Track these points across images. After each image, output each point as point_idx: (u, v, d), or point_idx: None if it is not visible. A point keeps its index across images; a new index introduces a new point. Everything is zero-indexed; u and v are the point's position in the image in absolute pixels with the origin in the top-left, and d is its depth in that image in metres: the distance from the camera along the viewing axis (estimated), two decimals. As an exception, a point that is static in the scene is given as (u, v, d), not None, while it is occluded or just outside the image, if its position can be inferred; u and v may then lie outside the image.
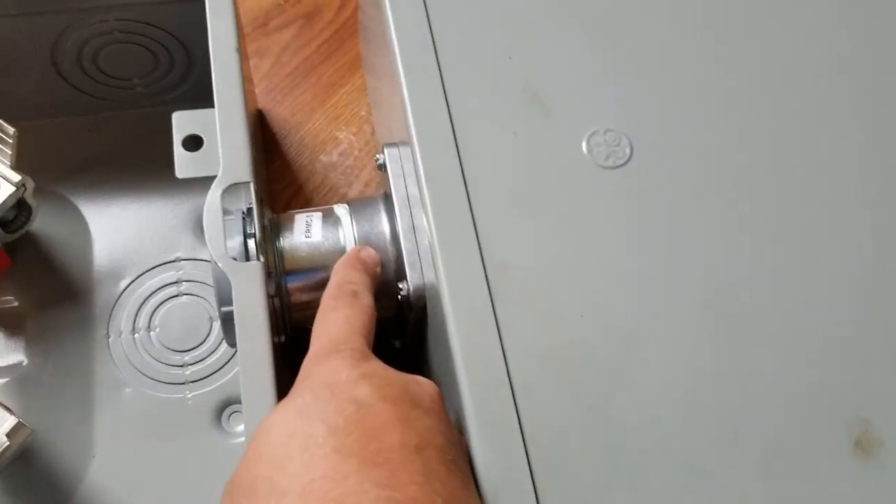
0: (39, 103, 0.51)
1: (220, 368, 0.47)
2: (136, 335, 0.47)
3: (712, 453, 0.31)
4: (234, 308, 0.35)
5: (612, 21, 0.40)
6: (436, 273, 0.34)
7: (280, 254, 0.39)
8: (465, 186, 0.35)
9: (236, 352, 0.45)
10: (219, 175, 0.37)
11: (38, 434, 0.43)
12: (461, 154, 0.35)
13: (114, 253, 0.49)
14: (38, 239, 0.48)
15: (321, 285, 0.39)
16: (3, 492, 0.42)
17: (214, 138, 0.38)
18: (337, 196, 0.53)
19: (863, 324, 0.34)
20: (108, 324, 0.47)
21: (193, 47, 0.50)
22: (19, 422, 0.37)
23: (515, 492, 0.30)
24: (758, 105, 0.39)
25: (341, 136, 0.55)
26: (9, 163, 0.42)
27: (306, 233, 0.40)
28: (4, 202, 0.41)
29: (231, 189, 0.37)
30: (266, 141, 0.55)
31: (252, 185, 0.37)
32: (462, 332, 0.32)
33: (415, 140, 0.36)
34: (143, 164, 0.50)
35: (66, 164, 0.50)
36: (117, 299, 0.48)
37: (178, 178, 0.40)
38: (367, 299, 0.35)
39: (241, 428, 0.45)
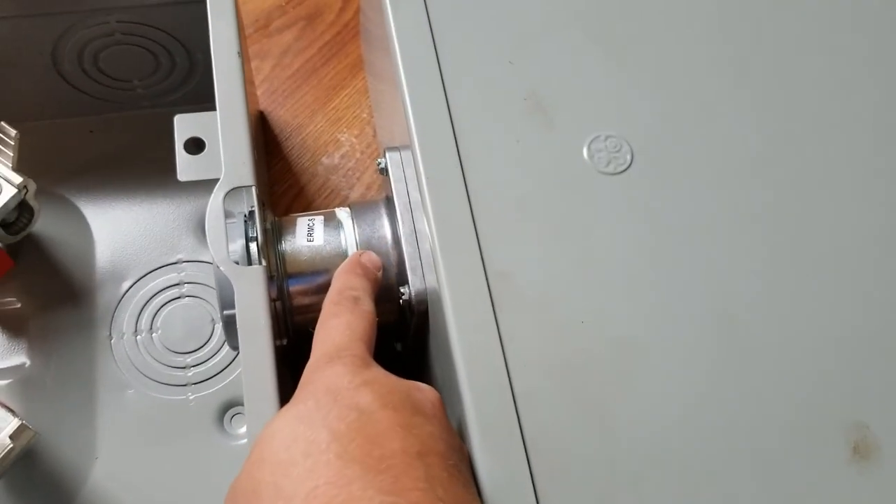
0: (41, 105, 0.51)
1: (223, 370, 0.47)
2: (139, 337, 0.47)
3: (712, 460, 0.32)
4: (237, 312, 0.35)
5: (613, 27, 0.40)
6: (437, 279, 0.34)
7: (282, 257, 0.40)
8: (467, 192, 0.35)
9: (238, 354, 0.46)
10: (221, 179, 0.37)
11: (41, 436, 0.43)
12: (463, 160, 0.36)
13: (116, 254, 0.49)
14: (41, 241, 0.48)
15: (323, 289, 0.39)
16: (7, 493, 0.42)
17: (216, 141, 0.38)
18: (338, 199, 0.53)
19: (861, 328, 0.35)
20: (111, 325, 0.47)
21: (195, 49, 0.50)
22: (22, 423, 0.37)
23: (517, 498, 0.30)
24: (760, 111, 0.39)
25: (343, 139, 0.55)
26: (10, 165, 0.42)
27: (308, 236, 0.40)
28: (6, 204, 0.41)
29: (233, 193, 0.37)
30: (267, 143, 0.55)
31: (254, 189, 0.37)
32: (464, 338, 0.32)
33: (416, 145, 0.36)
34: (144, 165, 0.50)
35: (67, 166, 0.50)
36: (119, 301, 0.48)
37: (179, 180, 0.40)
38: (368, 305, 0.35)
39: (243, 430, 0.45)
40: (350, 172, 0.54)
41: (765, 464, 0.32)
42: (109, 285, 0.48)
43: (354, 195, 0.53)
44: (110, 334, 0.47)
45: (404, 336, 0.42)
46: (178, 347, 0.47)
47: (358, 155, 0.55)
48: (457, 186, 0.35)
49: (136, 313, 0.48)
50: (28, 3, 0.45)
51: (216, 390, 0.46)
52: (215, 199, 0.37)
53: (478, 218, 0.34)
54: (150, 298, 0.48)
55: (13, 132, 0.42)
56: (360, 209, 0.41)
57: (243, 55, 0.40)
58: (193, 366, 0.47)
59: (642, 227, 0.35)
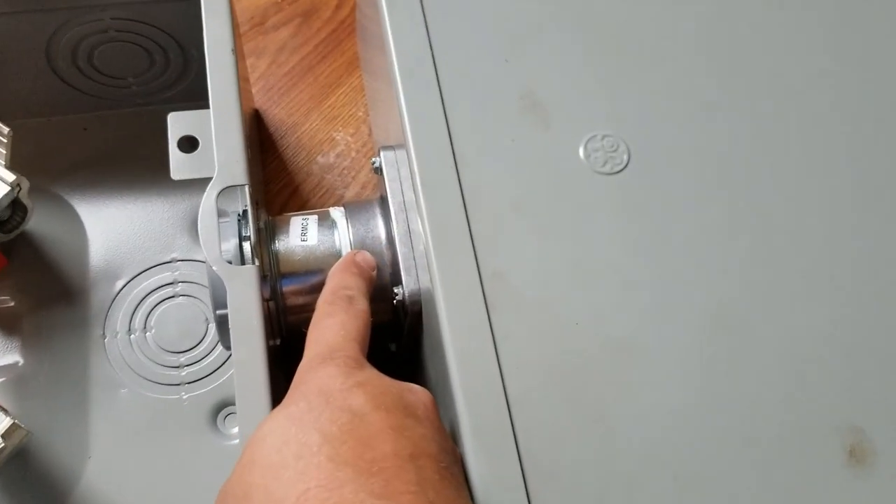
0: (34, 102, 0.51)
1: (216, 370, 0.47)
2: (132, 336, 0.47)
3: (707, 462, 0.31)
4: (229, 312, 0.35)
5: (609, 27, 0.40)
6: (431, 279, 0.34)
7: (275, 257, 0.39)
8: (462, 193, 0.35)
9: (231, 354, 0.45)
10: (214, 178, 0.37)
11: (34, 435, 0.43)
12: (457, 160, 0.35)
13: (109, 253, 0.49)
14: (34, 239, 0.48)
15: (316, 289, 0.39)
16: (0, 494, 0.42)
17: (210, 140, 0.38)
18: (333, 197, 0.52)
19: (857, 331, 0.34)
20: (104, 324, 0.47)
21: (189, 46, 0.49)
22: (14, 423, 0.37)
23: (510, 501, 0.30)
24: (757, 112, 0.39)
25: (338, 137, 0.55)
26: (3, 162, 0.42)
27: (302, 236, 0.40)
28: (-1, 202, 0.41)
29: (226, 191, 0.37)
30: (262, 141, 0.55)
31: (247, 188, 0.36)
32: (457, 340, 0.32)
33: (411, 145, 0.36)
34: (138, 163, 0.50)
35: (61, 164, 0.50)
36: (113, 300, 0.47)
37: (173, 179, 0.40)
38: (362, 304, 0.35)
39: (236, 430, 0.45)
40: (345, 171, 0.54)
41: (760, 467, 0.32)
42: (103, 284, 0.48)
43: (350, 194, 0.53)
44: (104, 333, 0.47)
45: (398, 336, 0.42)
46: (171, 347, 0.47)
47: (353, 154, 0.54)
48: (451, 186, 0.35)
49: (130, 312, 0.47)
50: (22, 0, 0.45)
51: (210, 390, 0.46)
52: (208, 197, 0.37)
53: (472, 218, 0.34)
54: (144, 297, 0.48)
55: (6, 129, 0.42)
56: (355, 209, 0.41)
57: (238, 52, 0.40)
58: (187, 365, 0.47)
59: (638, 227, 0.35)
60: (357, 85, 0.57)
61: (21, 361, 0.45)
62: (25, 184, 0.43)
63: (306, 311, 0.39)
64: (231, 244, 0.37)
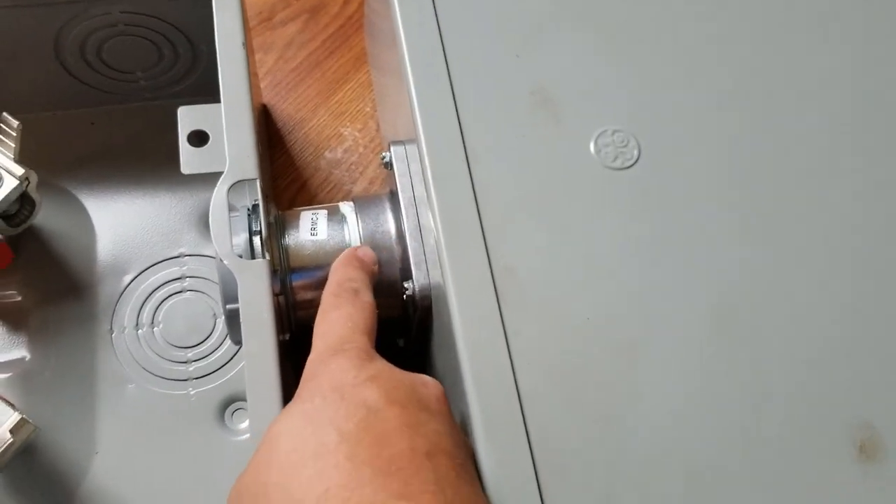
0: (43, 96, 0.51)
1: (224, 365, 0.47)
2: (140, 331, 0.47)
3: (717, 459, 0.31)
4: (240, 305, 0.35)
5: (620, 21, 0.40)
6: (442, 274, 0.33)
7: (285, 251, 0.39)
8: (473, 188, 0.35)
9: (240, 349, 0.45)
10: (225, 172, 0.37)
11: (41, 430, 0.43)
12: (469, 155, 0.35)
13: (117, 248, 0.48)
14: (42, 233, 0.48)
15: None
16: (6, 488, 0.42)
17: (220, 134, 0.38)
18: (341, 193, 0.52)
19: (866, 328, 0.34)
20: (112, 319, 0.47)
21: (198, 41, 0.49)
22: (23, 418, 0.37)
23: (521, 495, 0.30)
24: (769, 109, 0.38)
25: (346, 133, 0.55)
26: (12, 156, 0.42)
27: (312, 230, 0.40)
28: (8, 196, 0.41)
29: (237, 186, 0.37)
30: (270, 136, 0.55)
31: (258, 183, 0.36)
32: (469, 334, 0.32)
33: (422, 140, 0.35)
34: (146, 158, 0.50)
35: (69, 158, 0.50)
36: (121, 295, 0.47)
37: (182, 173, 0.40)
38: (367, 297, 0.35)
39: (244, 425, 0.45)
40: (353, 167, 0.53)
41: (769, 463, 0.31)
42: (111, 279, 0.47)
43: (357, 190, 0.53)
44: (111, 328, 0.46)
45: (407, 332, 0.42)
46: (179, 342, 0.47)
47: (361, 149, 0.54)
48: (462, 181, 0.35)
49: (138, 307, 0.47)
50: (30, -6, 0.45)
51: (217, 385, 0.46)
52: (219, 192, 0.36)
53: (483, 213, 0.34)
54: (152, 292, 0.48)
55: (15, 123, 0.42)
56: (364, 203, 0.41)
57: (247, 47, 0.40)
58: (195, 360, 0.47)
59: (649, 223, 0.35)
60: (365, 81, 0.57)
61: (28, 356, 0.45)
62: (34, 177, 0.43)
63: (316, 307, 0.39)
64: (241, 238, 0.37)
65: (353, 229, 0.40)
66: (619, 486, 0.30)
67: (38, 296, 0.46)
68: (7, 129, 0.42)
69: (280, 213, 0.41)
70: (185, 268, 0.49)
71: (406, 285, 0.38)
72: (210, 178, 0.37)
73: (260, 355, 0.34)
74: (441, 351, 0.37)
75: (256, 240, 0.37)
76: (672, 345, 0.33)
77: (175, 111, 0.38)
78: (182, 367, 0.46)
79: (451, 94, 0.37)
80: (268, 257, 0.36)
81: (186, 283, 0.48)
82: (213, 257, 0.46)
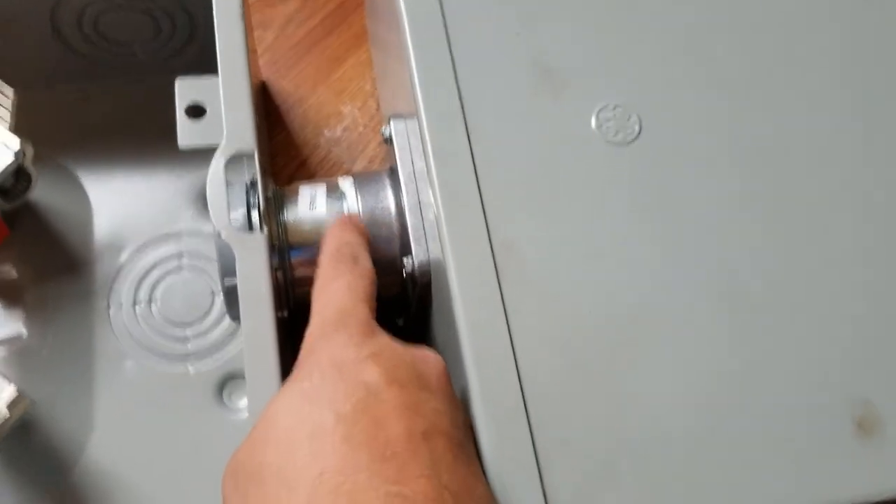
0: (38, 69, 0.50)
1: (223, 343, 0.46)
2: (137, 308, 0.46)
3: (716, 433, 0.31)
4: (238, 280, 0.34)
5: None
6: (442, 249, 0.33)
7: (284, 227, 0.39)
8: (473, 162, 0.34)
9: (239, 326, 0.45)
10: (222, 144, 0.36)
11: (38, 407, 0.43)
12: (469, 129, 0.35)
13: (114, 224, 0.48)
14: (37, 209, 0.47)
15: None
16: (3, 464, 0.42)
17: (218, 107, 0.38)
18: (341, 171, 0.52)
19: (869, 305, 0.34)
20: (109, 296, 0.46)
21: (197, 14, 0.49)
22: (20, 393, 0.37)
23: (520, 473, 0.29)
24: (771, 84, 0.38)
25: (346, 111, 0.54)
26: (8, 125, 0.41)
27: (311, 206, 0.39)
28: (5, 169, 0.41)
29: (234, 159, 0.37)
30: (269, 114, 0.54)
31: (256, 155, 0.36)
32: (468, 310, 0.32)
33: (423, 114, 0.35)
34: (144, 133, 0.49)
35: (65, 133, 0.49)
36: (118, 271, 0.47)
37: (180, 150, 0.39)
38: (367, 262, 0.35)
39: (242, 403, 0.45)
40: (353, 145, 0.53)
41: (769, 437, 0.31)
42: (108, 255, 0.47)
43: (357, 168, 0.52)
44: (108, 305, 0.46)
45: (406, 310, 0.41)
46: (177, 319, 0.47)
47: (361, 128, 0.54)
48: (463, 156, 0.34)
49: (136, 284, 0.47)
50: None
51: (216, 363, 0.46)
52: (216, 163, 0.36)
53: (483, 187, 0.34)
54: (150, 269, 0.47)
55: (10, 90, 0.41)
56: (364, 179, 0.41)
57: (246, 23, 0.39)
58: (193, 338, 0.46)
59: (650, 198, 0.34)
60: (365, 59, 0.56)
61: (25, 333, 0.45)
62: (30, 150, 0.42)
63: (311, 278, 0.39)
64: (239, 213, 0.37)
65: (352, 205, 0.39)
66: (619, 462, 0.30)
67: (34, 272, 0.46)
68: (2, 95, 0.41)
69: (278, 188, 0.41)
70: (183, 245, 0.48)
71: (405, 261, 0.37)
72: (209, 155, 0.37)
73: (258, 330, 0.33)
74: (441, 328, 0.37)
75: (255, 213, 0.36)
76: (673, 321, 0.33)
77: (173, 86, 0.38)
78: (180, 345, 0.46)
79: (451, 69, 0.36)
80: (266, 231, 0.35)
81: (184, 260, 0.48)
82: (212, 234, 0.46)
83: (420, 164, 0.37)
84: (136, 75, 0.51)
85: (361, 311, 0.32)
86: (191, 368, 0.46)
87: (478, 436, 0.30)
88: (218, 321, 0.47)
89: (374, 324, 0.32)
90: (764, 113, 0.37)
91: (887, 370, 0.33)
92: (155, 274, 0.47)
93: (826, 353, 0.33)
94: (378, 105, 0.55)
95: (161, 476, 0.42)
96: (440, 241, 0.33)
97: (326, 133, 0.54)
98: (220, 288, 0.45)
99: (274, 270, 0.37)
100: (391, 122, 0.39)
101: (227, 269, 0.36)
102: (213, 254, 0.46)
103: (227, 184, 0.37)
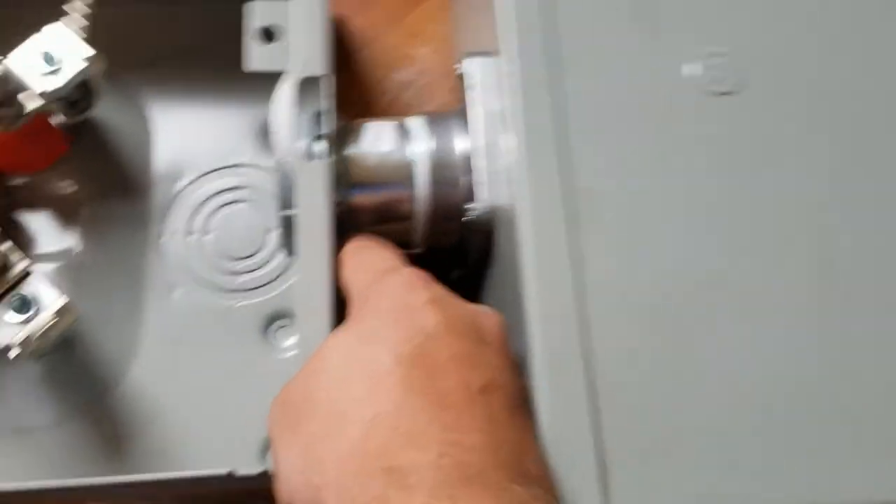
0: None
1: (273, 280, 0.45)
2: (191, 237, 0.45)
3: (790, 421, 0.29)
4: (299, 208, 0.33)
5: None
6: (515, 192, 0.31)
7: (346, 162, 0.37)
8: (558, 102, 0.32)
9: (290, 263, 0.44)
10: (292, 66, 0.35)
11: (83, 326, 0.42)
12: (556, 66, 0.32)
13: (175, 151, 0.47)
14: (99, 127, 0.46)
15: (387, 201, 0.37)
16: (44, 378, 0.42)
17: (288, 32, 0.36)
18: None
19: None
20: (163, 222, 0.45)
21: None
22: (68, 302, 0.36)
23: (578, 439, 0.28)
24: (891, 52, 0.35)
25: (418, 54, 0.52)
26: (84, 35, 0.40)
27: (376, 142, 0.38)
28: (72, 79, 0.40)
29: (305, 84, 0.35)
30: (338, 52, 0.52)
31: (328, 79, 0.34)
32: (538, 259, 0.30)
33: (506, 47, 0.33)
34: (213, 61, 0.48)
35: (134, 54, 0.48)
36: (174, 198, 0.46)
37: (248, 81, 0.38)
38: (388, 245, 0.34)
39: (287, 342, 0.44)
40: (422, 90, 0.51)
41: (854, 424, 0.29)
42: (165, 181, 0.46)
43: (425, 114, 0.50)
44: (162, 232, 0.45)
45: (463, 262, 0.40)
46: (229, 252, 0.45)
47: (432, 73, 0.52)
48: (548, 91, 0.32)
49: (190, 213, 0.46)
50: None
51: (264, 300, 0.45)
52: (285, 86, 0.35)
53: (569, 129, 0.31)
54: (206, 199, 0.46)
55: (90, -1, 0.40)
56: (434, 119, 0.39)
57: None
58: (243, 272, 0.45)
59: (748, 156, 0.32)
60: (442, 2, 0.54)
61: (76, 249, 0.44)
62: (101, 65, 0.41)
63: (372, 223, 0.37)
64: (304, 143, 0.36)
65: (420, 144, 0.37)
66: (685, 440, 0.28)
67: (92, 189, 0.45)
68: (80, 4, 0.40)
69: (345, 122, 0.39)
70: (242, 178, 0.47)
71: (468, 207, 0.36)
72: (277, 84, 0.35)
73: (314, 261, 0.32)
74: (501, 282, 0.35)
75: (321, 143, 0.35)
76: (760, 295, 0.30)
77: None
78: (230, 278, 0.45)
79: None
80: (333, 158, 0.34)
81: (242, 193, 0.47)
82: (271, 169, 0.44)
83: (494, 105, 0.35)
84: (213, 2, 0.49)
85: (408, 265, 0.31)
86: (238, 303, 0.44)
87: (535, 395, 0.29)
88: (269, 257, 0.46)
89: (428, 275, 0.31)
90: (883, 79, 0.34)
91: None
92: (211, 205, 0.46)
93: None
94: (453, 51, 0.53)
95: (199, 407, 0.42)
96: (514, 186, 0.31)
97: (396, 76, 0.52)
98: (274, 224, 0.44)
99: (335, 204, 0.36)
100: (466, 60, 0.37)
101: (287, 198, 0.35)
102: (271, 190, 0.45)
103: (295, 109, 0.35)
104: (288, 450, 0.28)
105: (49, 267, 0.44)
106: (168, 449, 0.41)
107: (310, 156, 0.35)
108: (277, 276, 0.45)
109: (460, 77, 0.37)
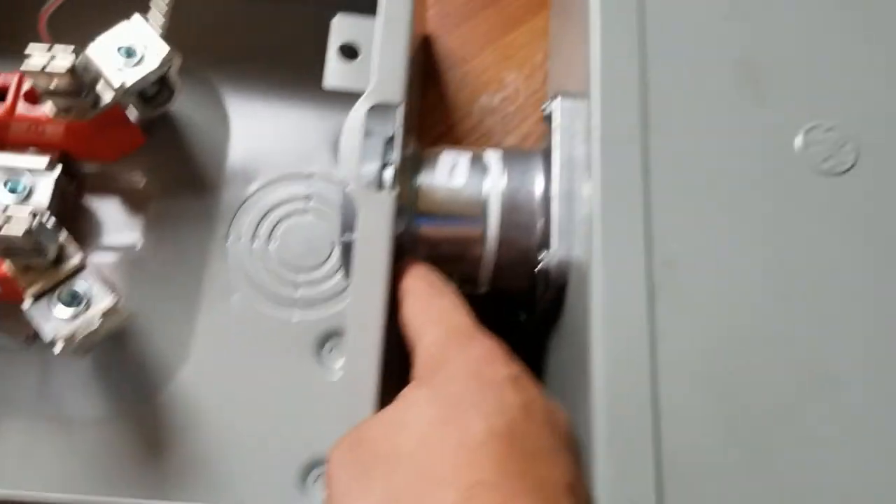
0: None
1: (333, 297, 0.44)
2: (255, 243, 0.44)
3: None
4: (358, 238, 0.31)
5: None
6: (591, 250, 0.29)
7: (416, 191, 0.35)
8: (646, 159, 0.29)
9: (348, 285, 0.42)
10: (368, 90, 0.33)
11: (137, 323, 0.42)
12: (648, 121, 0.30)
13: (249, 153, 0.46)
14: (176, 123, 0.46)
15: (454, 237, 0.35)
16: (95, 371, 0.41)
17: (372, 51, 0.35)
18: (490, 143, 0.48)
19: None
20: (230, 225, 0.45)
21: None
22: (117, 303, 0.36)
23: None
24: None
25: (509, 79, 0.50)
26: (160, 31, 0.39)
27: (450, 174, 0.36)
28: (149, 75, 0.39)
29: (378, 109, 0.34)
30: (427, 71, 0.51)
31: (401, 108, 0.33)
32: (608, 327, 0.27)
33: (596, 92, 0.30)
34: (297, 65, 0.47)
35: (218, 51, 0.47)
36: (244, 202, 0.45)
37: (326, 89, 0.37)
38: (457, 292, 0.32)
39: (340, 363, 0.42)
40: (509, 117, 0.49)
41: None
42: (237, 183, 0.45)
43: (509, 143, 0.48)
44: (227, 234, 0.44)
45: (531, 307, 0.37)
46: (293, 262, 0.44)
47: (521, 100, 0.49)
48: (635, 148, 0.29)
49: (258, 219, 0.45)
50: None
51: (321, 316, 0.43)
52: (358, 110, 0.33)
53: (654, 191, 0.29)
54: (275, 206, 0.45)
55: (168, -5, 0.39)
56: (513, 156, 0.37)
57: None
58: (304, 285, 0.44)
59: (852, 243, 0.28)
60: (541, 26, 0.51)
61: (139, 245, 0.44)
62: (177, 61, 0.40)
63: (437, 256, 0.35)
64: (373, 167, 0.34)
65: (495, 181, 0.35)
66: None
67: (161, 185, 0.45)
68: (161, 1, 0.39)
69: (419, 149, 0.38)
70: (313, 188, 0.46)
71: (541, 256, 0.33)
72: (357, 101, 0.34)
73: (368, 293, 0.31)
74: (567, 339, 0.33)
75: (389, 171, 0.33)
76: (863, 391, 0.27)
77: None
78: (290, 290, 0.44)
79: (639, 47, 0.31)
80: (397, 191, 0.32)
81: (312, 203, 0.45)
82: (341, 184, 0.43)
83: (580, 151, 0.32)
84: (305, 5, 0.49)
85: (485, 331, 0.30)
86: (295, 316, 0.43)
87: (594, 483, 0.26)
88: (332, 272, 0.44)
89: (506, 347, 0.29)
90: None
91: None
92: (279, 212, 0.45)
93: None
94: (546, 79, 0.50)
95: (245, 417, 0.40)
96: (591, 240, 0.29)
97: (483, 100, 0.50)
98: (338, 239, 0.43)
99: (397, 234, 0.34)
100: (556, 100, 0.35)
101: (348, 223, 0.34)
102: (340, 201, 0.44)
103: (367, 133, 0.34)
104: (355, 500, 0.26)
105: (110, 259, 0.43)
106: (204, 460, 0.40)
107: (376, 183, 0.33)
108: (338, 294, 0.44)
109: (548, 117, 0.35)
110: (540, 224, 0.34)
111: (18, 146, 0.41)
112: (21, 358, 0.41)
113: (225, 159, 0.46)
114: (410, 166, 0.36)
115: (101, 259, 0.43)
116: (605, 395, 0.26)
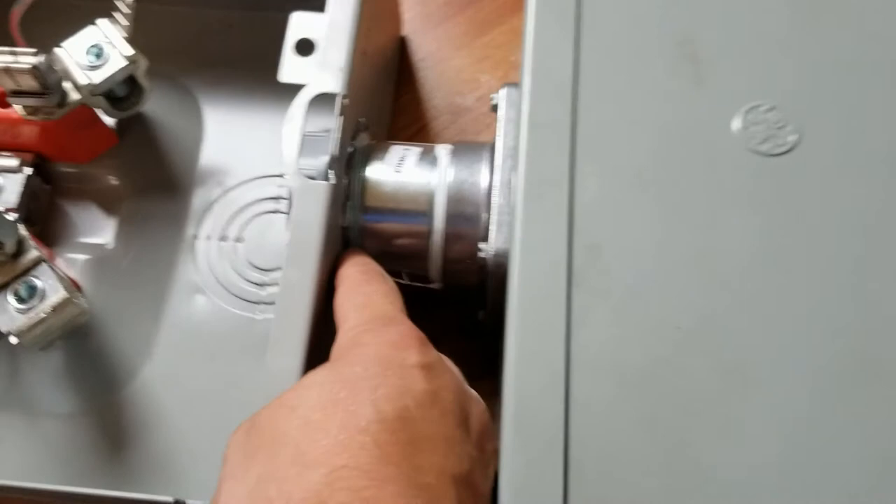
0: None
1: (297, 297, 0.44)
2: (223, 243, 0.45)
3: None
4: (290, 227, 0.31)
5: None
6: (513, 237, 0.28)
7: (363, 183, 0.35)
8: (573, 142, 0.29)
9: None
10: (309, 82, 0.33)
11: (105, 319, 0.42)
12: (579, 106, 0.29)
13: (220, 155, 0.47)
14: (150, 123, 0.47)
15: (400, 230, 0.35)
16: (61, 366, 0.42)
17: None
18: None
19: None
20: (199, 225, 0.45)
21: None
22: (68, 298, 0.36)
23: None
24: None
25: (483, 80, 0.50)
26: (125, 34, 0.40)
27: (397, 166, 0.36)
28: (114, 75, 0.40)
29: (322, 101, 0.34)
30: (402, 71, 0.51)
31: (339, 98, 0.33)
32: (523, 314, 0.27)
33: (528, 79, 0.30)
34: (269, 70, 0.47)
35: (195, 56, 0.48)
36: (213, 202, 0.46)
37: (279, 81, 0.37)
38: (392, 282, 0.32)
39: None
40: (481, 117, 0.49)
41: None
42: (207, 184, 0.46)
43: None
44: (196, 234, 0.45)
45: (485, 304, 0.37)
46: (259, 263, 0.44)
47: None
48: (563, 133, 0.29)
49: (227, 219, 0.45)
50: None
51: (286, 315, 0.43)
52: (298, 101, 0.33)
53: (580, 176, 0.28)
54: (245, 206, 0.46)
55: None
56: (463, 149, 0.36)
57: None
58: (270, 285, 0.44)
59: (789, 227, 0.27)
60: (517, 26, 0.51)
61: (109, 243, 0.45)
62: (143, 63, 0.41)
63: (385, 251, 0.35)
64: (321, 161, 0.34)
65: (442, 174, 0.35)
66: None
67: (133, 185, 0.46)
68: (121, 3, 0.40)
69: (371, 143, 0.38)
70: (283, 189, 0.46)
71: (481, 247, 0.33)
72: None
73: (298, 283, 0.31)
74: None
75: (323, 160, 0.33)
76: (786, 387, 0.26)
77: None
78: (256, 289, 0.44)
79: (574, 31, 0.31)
80: (332, 181, 0.32)
81: (281, 204, 0.46)
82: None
83: (513, 140, 0.32)
84: (276, 11, 0.49)
85: (409, 321, 0.29)
86: (260, 315, 0.43)
87: (501, 476, 0.26)
88: (299, 274, 0.44)
89: (424, 336, 0.29)
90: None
91: None
92: (248, 213, 0.46)
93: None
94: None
95: (205, 414, 0.41)
96: (513, 226, 0.28)
97: (457, 100, 0.49)
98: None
99: (342, 228, 0.34)
100: (503, 90, 0.34)
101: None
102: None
103: (325, 130, 0.34)
104: (237, 481, 0.26)
105: (82, 257, 0.44)
106: (166, 455, 0.40)
107: (321, 175, 0.33)
108: (304, 294, 0.44)
109: (495, 107, 0.35)
110: (485, 216, 0.34)
111: (-5, 148, 0.42)
112: (-13, 353, 0.42)
113: (197, 161, 0.46)
114: (360, 160, 0.36)
115: (72, 257, 0.44)
116: (515, 384, 0.26)
